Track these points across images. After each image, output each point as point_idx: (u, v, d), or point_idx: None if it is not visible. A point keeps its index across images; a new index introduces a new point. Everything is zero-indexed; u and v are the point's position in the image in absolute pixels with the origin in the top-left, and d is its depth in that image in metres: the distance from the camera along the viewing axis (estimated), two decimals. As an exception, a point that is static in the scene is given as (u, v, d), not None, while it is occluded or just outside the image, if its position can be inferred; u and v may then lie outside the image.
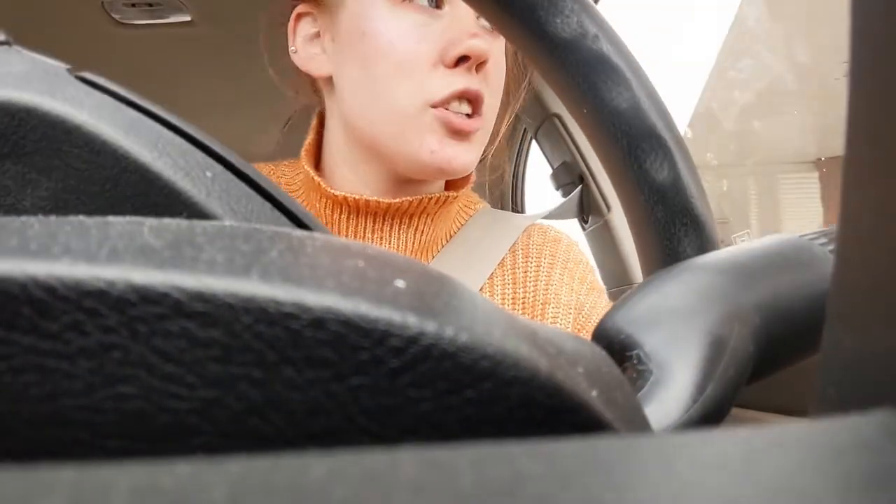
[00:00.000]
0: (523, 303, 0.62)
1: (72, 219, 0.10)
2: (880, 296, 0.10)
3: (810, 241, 0.21)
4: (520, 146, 1.29)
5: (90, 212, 0.14)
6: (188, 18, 1.11)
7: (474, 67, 0.55)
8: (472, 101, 0.56)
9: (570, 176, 1.08)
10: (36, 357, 0.08)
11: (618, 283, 1.04)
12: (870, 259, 0.10)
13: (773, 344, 0.19)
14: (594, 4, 0.29)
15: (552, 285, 0.62)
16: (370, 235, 0.60)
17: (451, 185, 0.66)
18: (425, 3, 0.56)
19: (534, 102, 1.10)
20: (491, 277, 0.63)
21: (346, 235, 0.60)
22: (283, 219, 0.16)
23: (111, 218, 0.11)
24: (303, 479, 0.06)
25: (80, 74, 0.16)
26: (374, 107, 0.56)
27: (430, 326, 0.09)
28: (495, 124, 0.62)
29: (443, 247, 0.63)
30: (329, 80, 0.60)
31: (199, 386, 0.09)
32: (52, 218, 0.10)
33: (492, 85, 0.58)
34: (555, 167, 1.13)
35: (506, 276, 0.63)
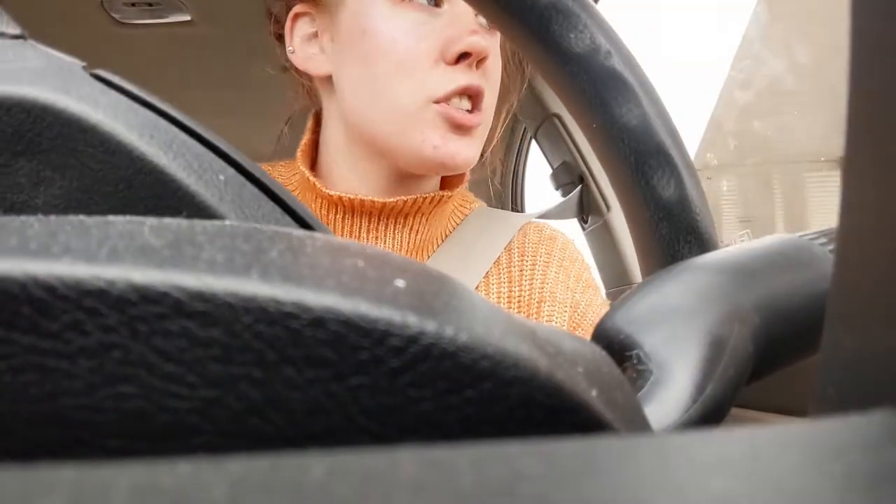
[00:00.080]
0: (519, 301, 0.62)
1: (72, 218, 0.10)
2: (880, 296, 0.10)
3: (810, 241, 0.21)
4: (519, 146, 1.29)
5: (103, 212, 0.14)
6: (188, 18, 1.11)
7: (475, 64, 0.56)
8: (473, 97, 0.56)
9: (569, 176, 1.08)
10: (36, 356, 0.08)
11: (617, 282, 1.04)
12: (870, 259, 0.10)
13: (773, 344, 0.19)
14: (607, 21, 0.29)
15: (548, 283, 0.63)
16: (365, 235, 0.60)
17: (446, 184, 0.66)
18: (425, 1, 0.56)
19: (534, 102, 1.10)
20: (487, 276, 0.63)
21: (342, 235, 0.60)
22: (292, 223, 0.16)
23: (111, 217, 0.11)
24: (303, 479, 0.06)
25: (94, 72, 0.16)
26: (376, 105, 0.56)
27: (430, 326, 0.09)
28: (493, 121, 0.62)
29: (438, 246, 0.64)
30: (328, 79, 0.61)
31: (199, 385, 0.09)
32: (52, 217, 0.10)
33: (491, 81, 0.59)
34: (555, 167, 1.13)
35: (501, 275, 0.63)
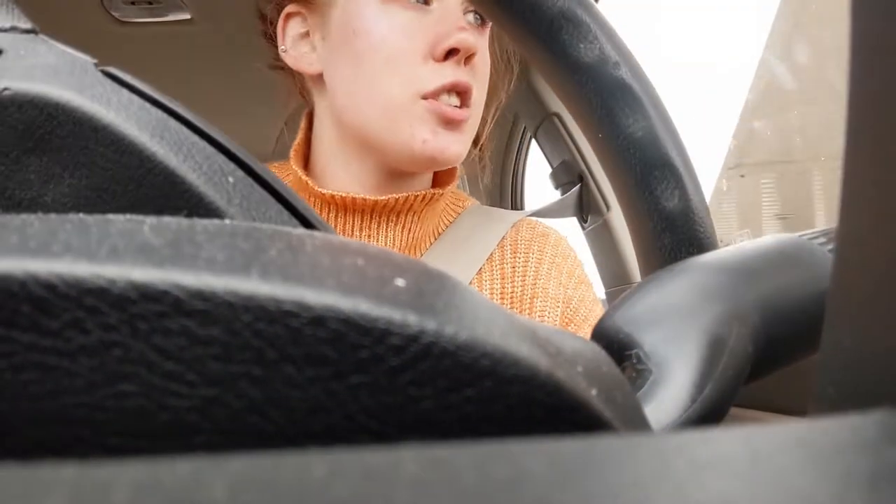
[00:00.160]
0: (511, 297, 0.63)
1: (72, 217, 0.10)
2: (879, 296, 0.10)
3: (810, 241, 0.21)
4: (519, 145, 1.29)
5: (111, 210, 0.14)
6: (188, 17, 1.11)
7: (463, 60, 0.57)
8: (461, 93, 0.57)
9: (569, 175, 1.08)
10: (36, 355, 0.08)
11: (617, 282, 1.04)
12: (869, 259, 0.10)
13: (772, 343, 0.19)
14: (617, 32, 0.29)
15: (540, 279, 0.63)
16: (358, 233, 0.61)
17: (437, 182, 0.67)
18: None
19: (533, 102, 1.10)
20: (479, 272, 0.63)
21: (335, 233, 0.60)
22: (300, 227, 0.16)
23: (111, 216, 0.11)
24: (304, 477, 0.06)
25: (106, 70, 0.16)
26: (367, 101, 0.57)
27: (431, 325, 0.09)
28: (482, 118, 0.63)
29: (431, 244, 0.64)
30: (319, 78, 0.61)
31: (199, 384, 0.09)
32: (53, 216, 0.10)
33: (479, 78, 0.60)
34: (554, 166, 1.13)
35: (494, 271, 0.64)
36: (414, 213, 0.62)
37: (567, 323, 0.62)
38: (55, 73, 0.14)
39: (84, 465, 0.06)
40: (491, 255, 0.64)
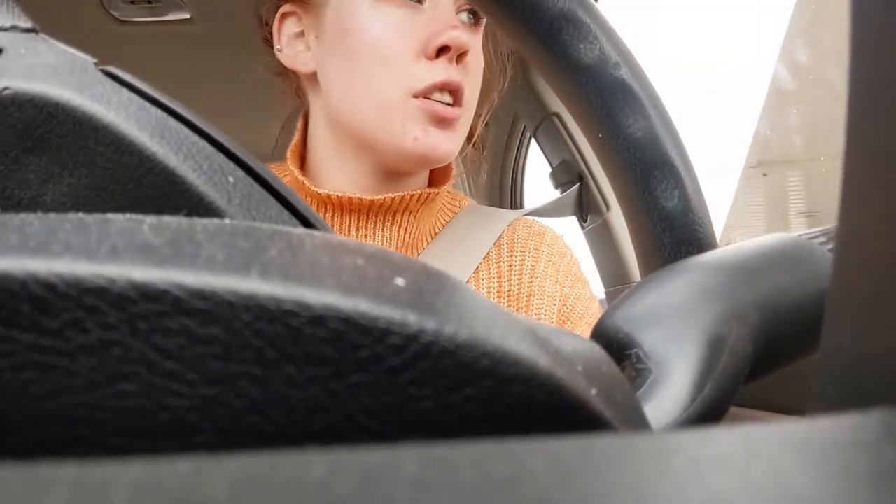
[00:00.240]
0: (508, 295, 0.63)
1: (71, 216, 0.10)
2: (879, 295, 0.10)
3: (809, 241, 0.21)
4: (519, 145, 1.29)
5: (112, 210, 0.14)
6: (187, 16, 1.11)
7: (455, 59, 0.57)
8: (453, 92, 0.57)
9: (569, 175, 1.08)
10: (36, 354, 0.08)
11: (616, 282, 1.04)
12: (869, 259, 0.10)
13: (772, 343, 0.19)
14: (617, 33, 0.29)
15: (536, 277, 0.63)
16: (355, 233, 0.61)
17: (433, 181, 0.67)
18: None
19: (533, 101, 1.10)
20: (476, 271, 0.64)
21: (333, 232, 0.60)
22: (299, 226, 0.16)
23: (111, 215, 0.11)
24: (303, 477, 0.06)
25: (106, 69, 0.16)
26: (359, 99, 0.58)
27: (430, 324, 0.09)
28: (474, 117, 0.63)
29: (428, 243, 0.64)
30: (313, 77, 0.62)
31: (199, 383, 0.09)
32: (52, 215, 0.10)
33: (471, 77, 0.60)
34: (554, 166, 1.13)
35: (491, 270, 0.64)
36: (410, 212, 0.62)
37: (564, 321, 0.63)
38: (55, 72, 0.14)
39: (84, 464, 0.06)
40: (488, 253, 0.65)
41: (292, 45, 0.62)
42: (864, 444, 0.08)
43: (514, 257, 0.65)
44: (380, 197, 0.59)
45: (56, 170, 0.14)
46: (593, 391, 0.11)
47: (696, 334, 0.18)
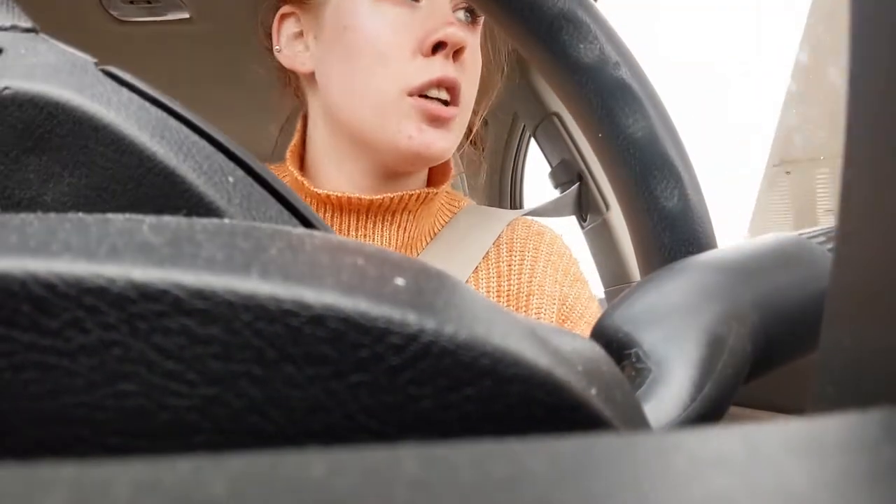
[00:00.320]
0: (507, 295, 0.63)
1: (71, 216, 0.10)
2: (879, 295, 0.10)
3: (809, 240, 0.21)
4: (518, 144, 1.29)
5: (112, 210, 0.14)
6: (187, 16, 1.10)
7: (451, 56, 0.57)
8: (450, 89, 0.57)
9: (568, 174, 1.08)
10: (36, 354, 0.08)
11: (616, 281, 1.04)
12: (868, 258, 0.10)
13: (771, 342, 0.19)
14: (616, 33, 0.29)
15: (536, 277, 0.64)
16: (354, 233, 0.61)
17: (432, 181, 0.67)
18: None
19: (533, 101, 1.10)
20: (476, 271, 0.64)
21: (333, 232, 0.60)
22: (299, 225, 0.16)
23: (110, 215, 0.11)
24: (304, 476, 0.06)
25: (106, 69, 0.16)
26: (355, 97, 0.58)
27: (430, 324, 0.09)
28: (470, 117, 0.63)
29: (427, 244, 0.65)
30: (312, 77, 0.62)
31: (199, 383, 0.09)
32: (52, 215, 0.10)
33: (468, 74, 0.60)
34: (553, 165, 1.13)
35: (490, 270, 0.64)
36: (409, 212, 0.62)
37: (563, 320, 0.63)
38: (55, 72, 0.14)
39: (84, 464, 0.06)
40: (487, 253, 0.65)
41: (291, 46, 0.62)
42: (864, 443, 0.08)
43: (513, 257, 0.65)
44: (378, 197, 0.59)
45: (56, 170, 0.14)
46: (593, 391, 0.11)
47: (696, 334, 0.18)
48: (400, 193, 0.60)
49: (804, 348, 0.20)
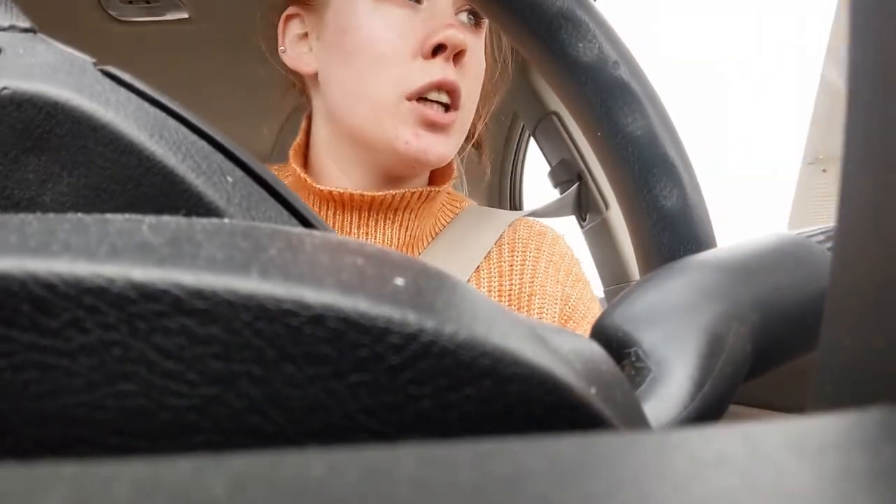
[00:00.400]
0: (509, 295, 0.63)
1: (71, 216, 0.10)
2: (878, 294, 0.10)
3: (808, 239, 0.21)
4: (518, 144, 1.29)
5: (111, 210, 0.14)
6: (185, 16, 1.10)
7: (451, 59, 0.57)
8: (450, 92, 0.57)
9: (568, 173, 1.08)
10: (36, 354, 0.08)
11: (616, 280, 1.04)
12: (868, 257, 0.10)
13: (771, 341, 0.19)
14: (615, 31, 0.29)
15: (538, 277, 0.64)
16: (355, 231, 0.61)
17: (434, 180, 0.67)
18: None
19: (532, 100, 1.10)
20: (477, 270, 0.64)
21: (333, 231, 0.61)
22: (298, 225, 0.16)
23: (110, 215, 0.11)
24: (303, 476, 0.06)
25: (105, 69, 0.16)
26: (355, 99, 0.58)
27: (430, 323, 0.09)
28: (473, 121, 0.63)
29: (429, 243, 0.65)
30: (315, 77, 0.62)
31: (199, 383, 0.09)
32: (52, 215, 0.10)
33: (469, 78, 0.59)
34: (553, 165, 1.13)
35: (492, 269, 0.64)
36: (411, 210, 0.62)
37: (566, 321, 0.63)
38: (54, 72, 0.14)
39: (84, 464, 0.06)
40: (489, 253, 0.65)
41: (295, 47, 0.63)
42: (863, 442, 0.08)
43: (514, 257, 0.65)
44: (380, 193, 0.59)
45: (55, 170, 0.14)
46: (593, 390, 0.11)
47: (696, 333, 0.18)
48: (402, 191, 0.60)
49: (804, 348, 0.20)
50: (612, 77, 0.28)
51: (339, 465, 0.07)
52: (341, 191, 0.59)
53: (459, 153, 0.65)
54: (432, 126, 0.57)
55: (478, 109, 0.64)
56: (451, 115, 0.57)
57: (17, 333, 0.08)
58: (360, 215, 0.61)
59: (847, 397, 0.10)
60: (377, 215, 0.61)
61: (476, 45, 0.60)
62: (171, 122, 0.15)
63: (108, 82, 0.15)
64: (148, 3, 1.07)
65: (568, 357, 0.11)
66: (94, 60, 0.16)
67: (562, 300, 0.63)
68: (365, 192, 0.59)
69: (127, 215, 0.11)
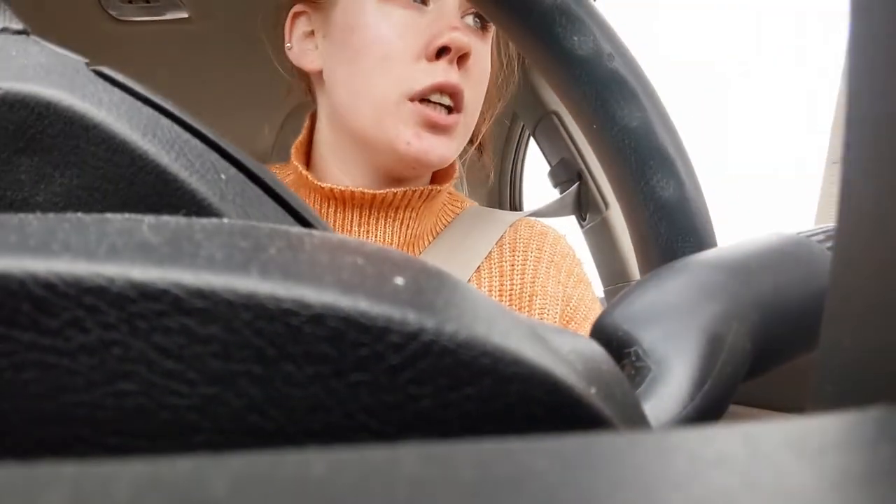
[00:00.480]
0: (510, 295, 0.63)
1: (70, 216, 0.10)
2: (878, 294, 0.10)
3: (808, 239, 0.21)
4: (517, 143, 1.29)
5: (104, 209, 0.14)
6: (185, 15, 1.10)
7: (455, 62, 0.57)
8: (452, 95, 0.57)
9: (568, 173, 1.08)
10: (36, 354, 0.08)
11: (615, 280, 1.04)
12: (868, 257, 0.10)
13: (771, 341, 0.19)
14: (610, 25, 0.29)
15: (539, 277, 0.63)
16: (356, 229, 0.61)
17: (435, 180, 0.67)
18: None
19: (532, 99, 1.10)
20: (478, 270, 0.64)
21: (333, 229, 0.61)
22: (295, 223, 0.16)
23: (109, 215, 0.11)
24: (304, 475, 0.06)
25: (97, 69, 0.16)
26: (358, 99, 0.58)
27: (430, 323, 0.09)
28: (477, 123, 0.63)
29: (429, 243, 0.64)
30: (320, 75, 0.62)
31: (199, 382, 0.09)
32: (51, 215, 0.10)
33: (473, 81, 0.59)
34: (553, 164, 1.13)
35: (493, 269, 0.64)
36: (412, 209, 0.62)
37: (567, 321, 0.63)
38: (46, 72, 0.14)
39: (84, 463, 0.06)
40: (490, 253, 0.65)
41: (301, 44, 0.63)
42: (862, 441, 0.08)
43: (516, 257, 0.65)
44: (382, 191, 0.59)
45: (48, 170, 0.14)
46: (593, 389, 0.11)
47: (696, 332, 0.18)
48: (403, 189, 0.60)
49: (803, 347, 0.20)
50: (607, 70, 0.28)
51: (339, 465, 0.07)
52: (342, 188, 0.59)
53: (461, 156, 0.65)
54: (434, 127, 0.57)
55: (482, 113, 0.64)
56: (453, 117, 0.57)
57: (17, 333, 0.08)
58: (360, 213, 0.61)
59: (847, 397, 0.10)
60: (378, 213, 0.61)
61: (482, 48, 0.60)
62: (165, 121, 0.15)
63: (100, 82, 0.15)
64: (147, 2, 1.07)
65: (568, 357, 0.11)
66: (87, 61, 0.16)
67: (563, 301, 0.63)
68: (366, 190, 0.59)
69: (126, 215, 0.11)
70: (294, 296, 0.09)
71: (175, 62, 1.25)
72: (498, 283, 0.64)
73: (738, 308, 0.18)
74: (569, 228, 1.09)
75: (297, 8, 0.63)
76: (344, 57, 0.58)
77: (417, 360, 0.09)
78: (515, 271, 0.64)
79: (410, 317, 0.09)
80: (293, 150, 0.64)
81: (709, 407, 0.17)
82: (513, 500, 0.06)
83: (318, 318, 0.09)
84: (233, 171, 0.15)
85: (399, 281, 0.10)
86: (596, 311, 0.64)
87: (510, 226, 0.67)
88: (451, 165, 0.65)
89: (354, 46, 0.57)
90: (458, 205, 0.70)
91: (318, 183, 0.60)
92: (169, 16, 1.11)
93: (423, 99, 0.56)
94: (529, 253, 0.65)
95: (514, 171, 1.33)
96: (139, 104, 0.15)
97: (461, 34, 0.55)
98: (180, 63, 1.25)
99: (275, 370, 0.09)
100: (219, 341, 0.09)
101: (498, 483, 0.06)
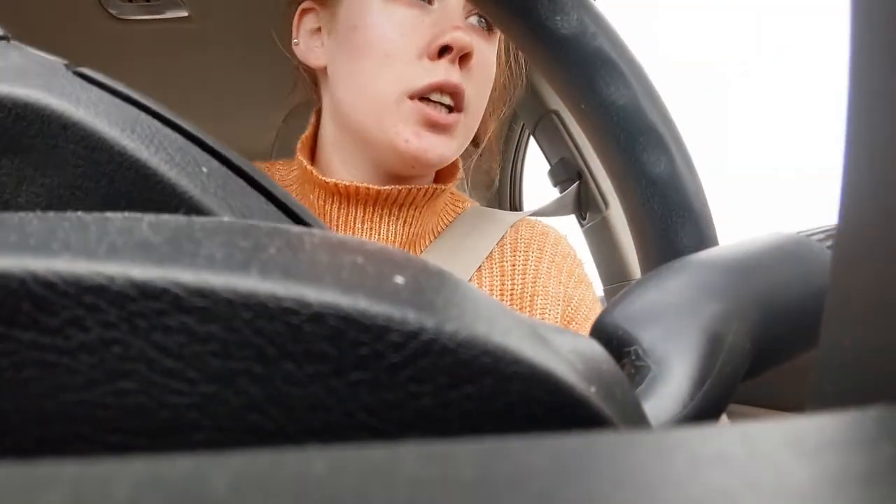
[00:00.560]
0: (511, 295, 0.63)
1: (70, 215, 0.10)
2: (878, 293, 0.10)
3: (808, 238, 0.21)
4: (517, 143, 1.29)
5: (86, 208, 0.14)
6: (185, 14, 1.10)
7: (457, 61, 0.57)
8: (453, 94, 0.57)
9: (568, 172, 1.08)
10: (36, 352, 0.08)
11: (615, 279, 1.04)
12: (868, 257, 0.10)
13: (771, 340, 0.19)
14: (593, 2, 0.29)
15: (540, 278, 0.63)
16: (360, 225, 0.61)
17: (439, 179, 0.67)
18: None
19: (532, 99, 1.10)
20: (479, 270, 0.64)
21: (336, 225, 0.61)
22: (280, 214, 0.16)
23: (109, 214, 0.11)
24: (304, 473, 0.06)
25: (77, 70, 0.16)
26: (360, 96, 0.58)
27: (430, 322, 0.09)
28: (480, 126, 0.63)
29: (431, 241, 0.65)
30: (324, 71, 0.63)
31: (199, 381, 0.09)
32: (51, 214, 0.10)
33: (476, 81, 0.59)
34: (553, 163, 1.13)
35: (494, 269, 0.64)
36: (416, 207, 0.62)
37: (568, 322, 0.63)
38: (23, 74, 0.14)
39: (84, 462, 0.06)
40: (491, 253, 0.65)
41: (308, 40, 0.63)
42: (862, 440, 0.08)
43: (517, 257, 0.65)
44: (386, 188, 0.59)
45: (28, 171, 0.14)
46: (593, 389, 0.11)
47: (695, 332, 0.18)
48: (408, 186, 0.60)
49: (803, 346, 0.20)
50: (591, 48, 0.28)
51: (339, 464, 0.07)
52: (346, 184, 0.59)
53: (466, 161, 0.65)
54: (434, 126, 0.57)
55: (487, 114, 0.64)
56: (453, 117, 0.57)
57: (17, 332, 0.08)
58: (364, 209, 0.61)
59: (847, 397, 0.10)
60: (381, 210, 0.61)
61: (486, 49, 0.60)
62: (144, 116, 0.15)
63: (78, 81, 0.15)
64: (147, 1, 1.07)
65: (568, 356, 0.11)
66: (66, 62, 0.16)
67: (564, 301, 0.63)
68: (371, 186, 0.59)
69: (127, 213, 0.11)
70: (294, 295, 0.09)
71: (175, 61, 1.25)
72: (499, 283, 0.64)
73: (738, 307, 0.18)
74: (569, 228, 1.09)
75: (306, 4, 0.63)
76: (347, 54, 0.58)
77: (417, 359, 0.09)
78: (517, 271, 0.64)
79: (410, 316, 0.09)
80: (298, 146, 0.65)
81: (708, 406, 0.17)
82: (513, 500, 0.06)
83: (318, 317, 0.09)
84: (215, 163, 0.15)
85: (399, 280, 0.10)
86: (597, 311, 0.64)
87: (511, 226, 0.67)
88: (455, 165, 0.65)
89: (358, 44, 0.57)
90: (460, 204, 0.70)
91: (323, 178, 0.60)
92: (169, 14, 1.11)
93: (424, 98, 0.56)
94: (531, 253, 0.65)
95: (514, 171, 1.33)
96: (118, 101, 0.15)
97: (463, 34, 0.55)
98: (180, 61, 1.25)
99: (275, 369, 0.09)
100: (219, 340, 0.09)
101: (498, 482, 0.06)
